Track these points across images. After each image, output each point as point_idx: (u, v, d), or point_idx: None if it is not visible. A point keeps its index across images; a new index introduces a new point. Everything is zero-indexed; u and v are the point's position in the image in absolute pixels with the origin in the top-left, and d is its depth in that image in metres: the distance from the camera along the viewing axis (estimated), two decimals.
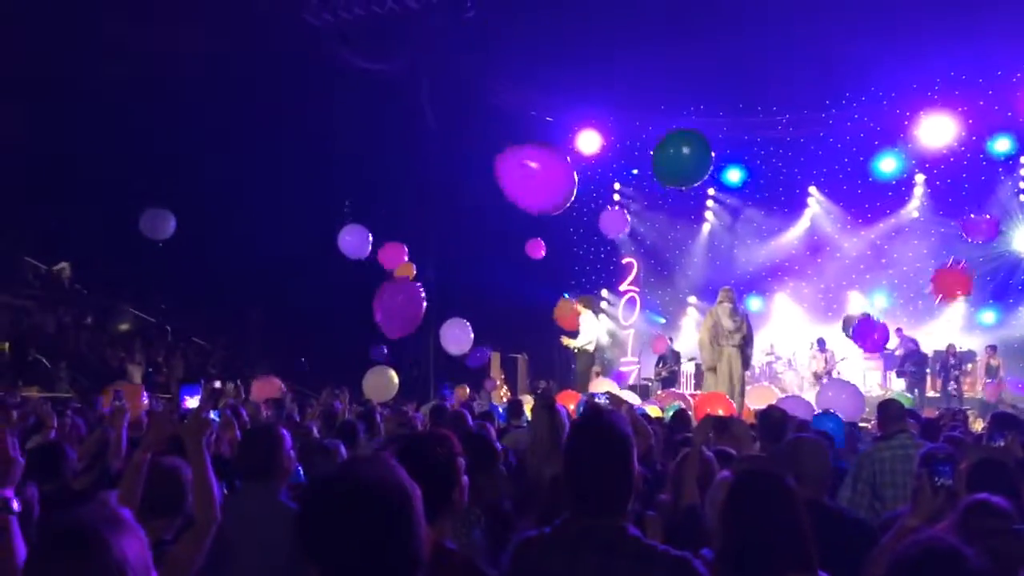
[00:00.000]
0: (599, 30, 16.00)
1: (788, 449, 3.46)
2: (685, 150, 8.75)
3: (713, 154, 8.87)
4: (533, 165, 8.00)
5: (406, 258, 13.32)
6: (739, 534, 2.43)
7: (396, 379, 11.06)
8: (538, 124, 19.20)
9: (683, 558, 2.11)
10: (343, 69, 16.10)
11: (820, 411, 7.98)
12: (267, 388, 10.52)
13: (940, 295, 13.57)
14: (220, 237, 16.31)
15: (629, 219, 20.15)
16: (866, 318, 14.07)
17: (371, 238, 12.61)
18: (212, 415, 4.95)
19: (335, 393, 9.58)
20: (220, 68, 15.52)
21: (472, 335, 12.40)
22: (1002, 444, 3.95)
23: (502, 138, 17.67)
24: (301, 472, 4.97)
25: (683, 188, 10.74)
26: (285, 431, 3.55)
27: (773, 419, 5.05)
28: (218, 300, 17.80)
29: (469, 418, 6.24)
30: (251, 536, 3.13)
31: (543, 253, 15.16)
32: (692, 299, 19.89)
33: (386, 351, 14.42)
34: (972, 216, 15.67)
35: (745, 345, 11.59)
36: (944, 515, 2.56)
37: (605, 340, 13.14)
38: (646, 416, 7.46)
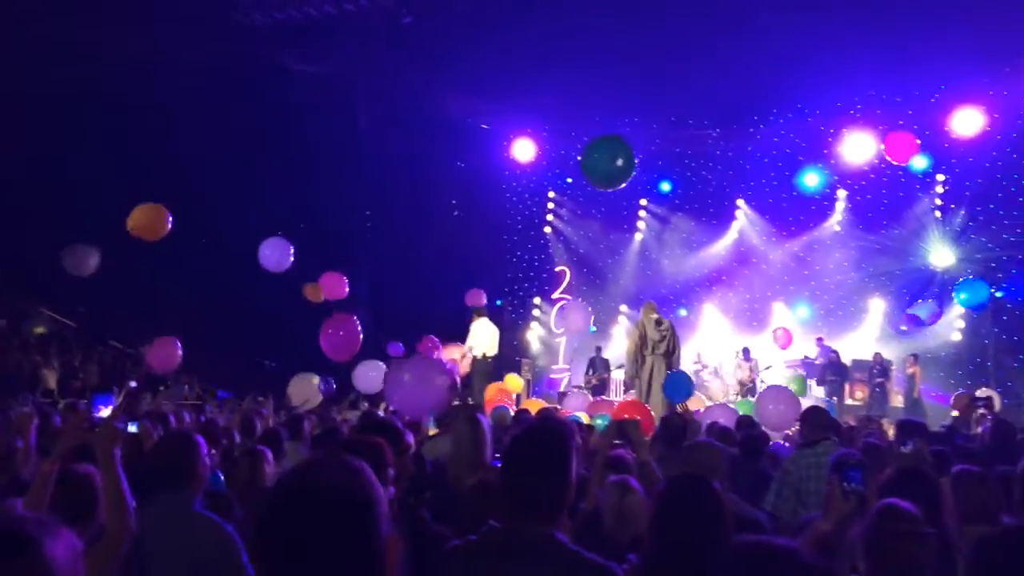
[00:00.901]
0: (535, 40, 16.11)
1: (685, 454, 3.53)
2: (611, 153, 8.94)
3: (636, 160, 9.03)
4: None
5: (347, 289, 13.05)
6: (666, 539, 2.45)
7: (322, 385, 10.94)
8: (474, 131, 19.24)
9: (607, 566, 2.10)
10: (277, 71, 15.86)
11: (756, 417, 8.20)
12: (165, 352, 10.29)
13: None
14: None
15: (561, 227, 20.40)
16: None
17: (292, 250, 12.30)
18: (132, 426, 4.80)
19: (258, 400, 9.39)
20: (147, 70, 15.11)
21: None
22: (911, 448, 4.09)
23: (438, 144, 17.81)
24: (222, 479, 4.86)
25: (610, 188, 10.93)
26: (200, 438, 3.45)
27: (674, 425, 5.21)
28: (140, 304, 17.27)
29: (399, 425, 6.17)
30: (164, 547, 3.03)
31: (483, 301, 14.94)
32: (623, 308, 20.14)
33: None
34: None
35: (669, 354, 11.81)
36: (855, 519, 2.63)
37: (493, 350, 13.04)
38: (579, 423, 7.53)
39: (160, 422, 6.12)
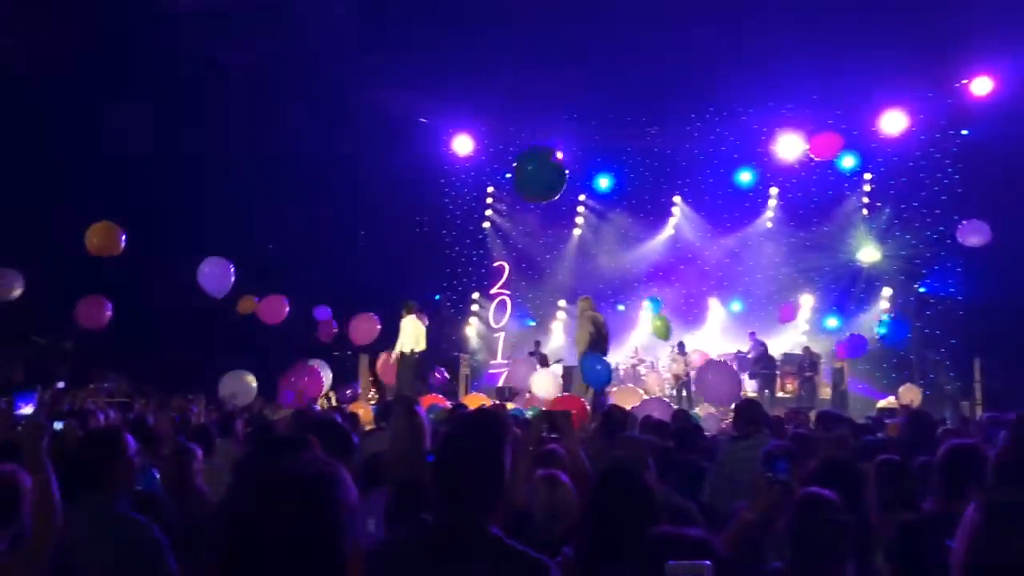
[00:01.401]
0: (474, 35, 16.10)
1: (615, 445, 3.60)
2: (541, 167, 9.10)
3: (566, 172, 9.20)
4: None
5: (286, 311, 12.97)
6: (599, 531, 2.49)
7: (254, 382, 10.80)
8: (412, 125, 19.12)
9: (541, 561, 2.09)
10: (207, 62, 15.46)
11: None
12: (93, 311, 10.13)
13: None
14: (70, 230, 15.30)
15: (500, 222, 20.47)
16: None
17: (232, 270, 12.10)
18: (56, 424, 4.65)
19: (188, 398, 9.19)
20: (72, 63, 14.57)
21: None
22: (835, 434, 4.24)
23: (375, 138, 17.62)
24: (158, 476, 4.74)
25: (543, 200, 11.13)
26: (129, 436, 3.36)
27: (613, 418, 5.32)
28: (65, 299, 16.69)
29: (339, 419, 6.12)
30: (87, 549, 2.94)
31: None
32: (562, 303, 20.27)
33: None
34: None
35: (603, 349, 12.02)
36: (780, 509, 2.70)
37: (421, 346, 13.08)
38: (517, 418, 7.55)
39: (86, 420, 5.96)
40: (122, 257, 12.65)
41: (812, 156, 16.23)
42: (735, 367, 17.28)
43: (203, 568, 2.98)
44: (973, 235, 14.04)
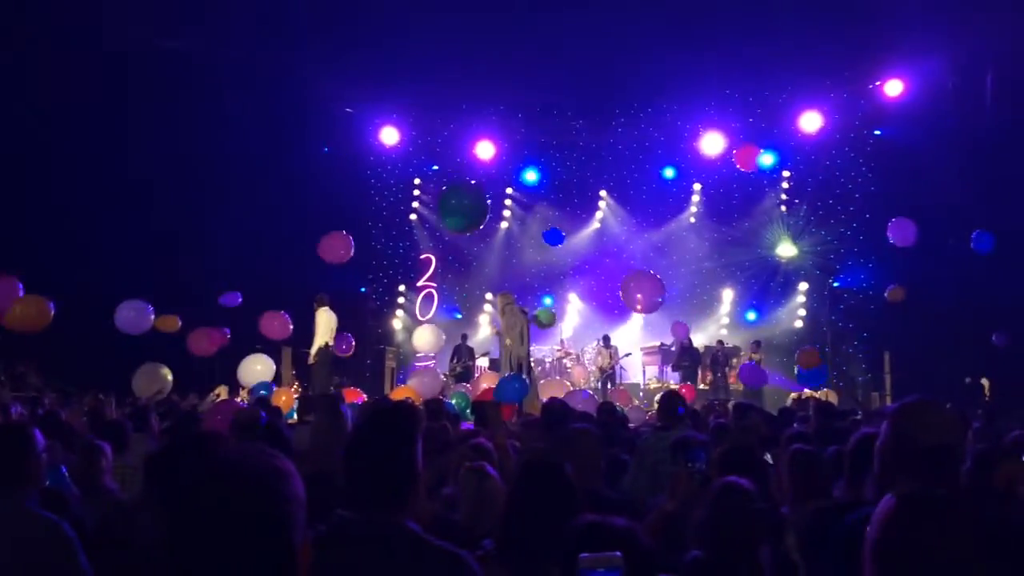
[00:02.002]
0: (403, 25, 15.95)
1: (564, 438, 3.62)
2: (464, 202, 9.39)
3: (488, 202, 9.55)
4: None
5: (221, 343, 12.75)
6: (520, 523, 2.49)
7: (169, 376, 10.54)
8: (338, 114, 18.83)
9: (458, 555, 2.07)
10: (133, 46, 14.88)
11: None
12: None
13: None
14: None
15: (426, 215, 20.36)
16: None
17: (152, 311, 12.00)
18: None
19: (100, 397, 8.85)
20: None
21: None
22: (745, 423, 4.37)
23: (301, 125, 17.29)
24: (67, 473, 4.57)
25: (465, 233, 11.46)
26: (38, 432, 3.23)
27: (553, 411, 5.32)
28: None
29: (264, 416, 6.00)
30: None
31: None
32: (489, 296, 20.28)
33: None
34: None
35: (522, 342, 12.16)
36: (699, 498, 2.76)
37: (327, 339, 13.08)
38: (448, 412, 7.51)
39: None
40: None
41: (738, 166, 16.76)
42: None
43: (112, 568, 2.89)
44: (901, 234, 14.54)
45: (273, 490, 1.38)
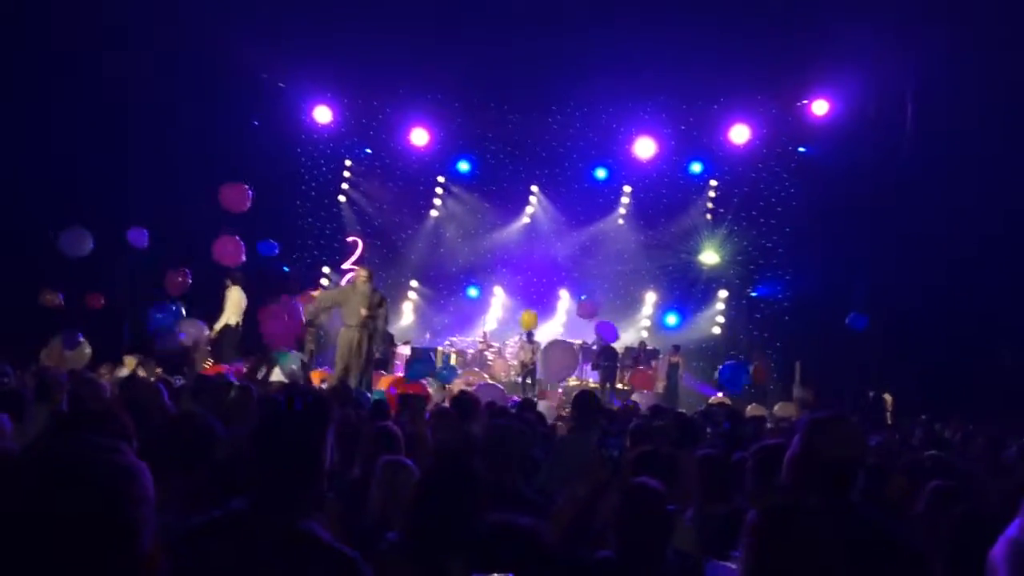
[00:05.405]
0: (344, 4, 15.69)
1: (489, 434, 3.64)
2: None
3: None
4: None
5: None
6: (424, 516, 2.49)
7: (87, 348, 10.15)
8: (269, 88, 18.38)
9: (348, 556, 1.97)
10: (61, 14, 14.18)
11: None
12: None
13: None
14: None
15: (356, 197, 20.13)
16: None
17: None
18: None
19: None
20: None
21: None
22: (660, 424, 4.49)
23: (229, 98, 16.79)
24: None
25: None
26: None
27: (464, 403, 5.40)
28: None
29: (165, 393, 5.80)
30: None
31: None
32: (414, 283, 20.19)
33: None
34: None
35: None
36: (610, 486, 2.81)
37: (236, 319, 12.92)
38: (360, 401, 7.45)
39: None
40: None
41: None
42: (580, 357, 17.83)
43: None
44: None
45: (119, 492, 1.29)
